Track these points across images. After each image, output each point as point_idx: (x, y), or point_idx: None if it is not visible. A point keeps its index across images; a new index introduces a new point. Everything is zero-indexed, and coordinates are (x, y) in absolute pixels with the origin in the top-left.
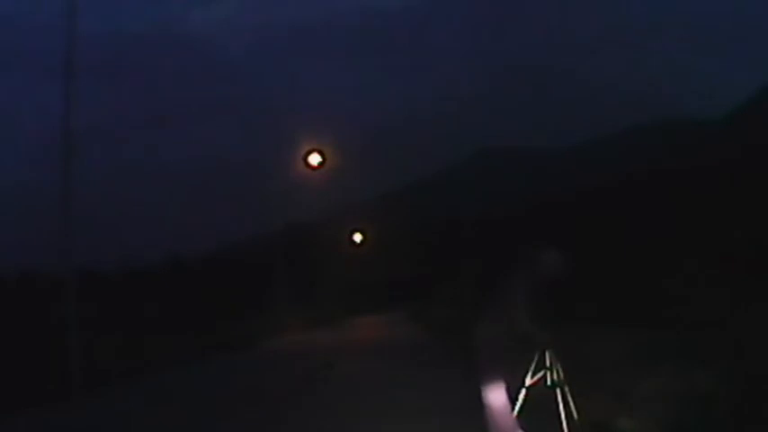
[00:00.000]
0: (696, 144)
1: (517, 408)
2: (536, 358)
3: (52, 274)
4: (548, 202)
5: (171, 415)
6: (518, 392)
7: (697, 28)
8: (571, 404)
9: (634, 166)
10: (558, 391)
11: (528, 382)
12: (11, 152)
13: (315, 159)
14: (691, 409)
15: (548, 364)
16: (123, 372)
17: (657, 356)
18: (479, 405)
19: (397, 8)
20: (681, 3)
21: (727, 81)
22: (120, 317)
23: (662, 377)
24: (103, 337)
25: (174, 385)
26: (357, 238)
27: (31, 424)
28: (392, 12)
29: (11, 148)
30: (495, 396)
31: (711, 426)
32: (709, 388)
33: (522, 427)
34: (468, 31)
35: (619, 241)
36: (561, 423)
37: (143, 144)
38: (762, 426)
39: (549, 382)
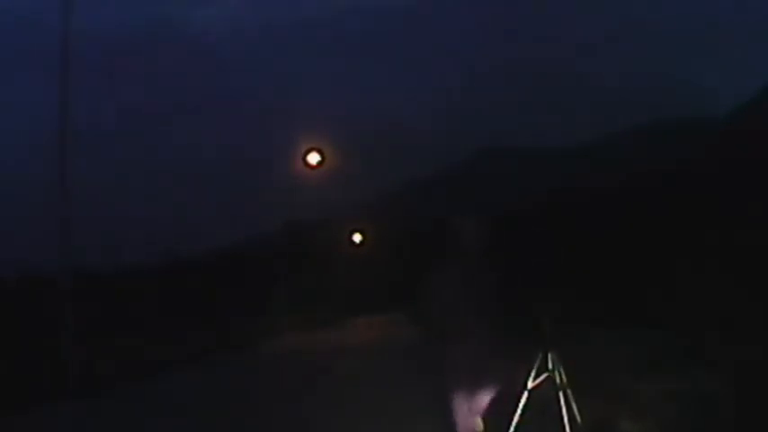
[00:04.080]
0: (697, 144)
1: (519, 410)
2: (538, 360)
3: (51, 275)
4: (549, 203)
5: (170, 416)
6: (520, 395)
7: (698, 28)
8: (574, 407)
9: (635, 166)
10: (561, 393)
11: (530, 384)
12: (8, 151)
13: (314, 158)
14: (694, 410)
15: (550, 366)
16: (122, 373)
17: (660, 358)
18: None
19: (398, 7)
20: (682, 2)
21: (728, 81)
22: (119, 317)
23: (665, 378)
24: (102, 338)
25: (172, 386)
26: (357, 238)
27: (29, 425)
28: (393, 11)
29: (8, 148)
30: (460, 405)
31: (714, 427)
32: (711, 389)
33: None
34: (468, 30)
35: (621, 241)
36: (564, 426)
37: (142, 143)
38: (764, 426)
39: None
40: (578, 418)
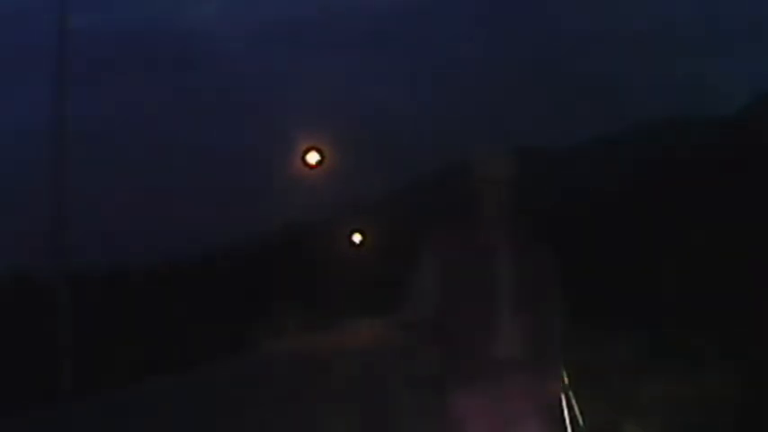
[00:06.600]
0: (699, 144)
1: None
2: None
3: (48, 276)
4: (549, 203)
5: (168, 418)
6: None
7: (699, 28)
8: (576, 409)
9: (636, 166)
10: (563, 395)
11: None
12: (6, 152)
13: (313, 158)
14: (696, 412)
15: None
16: (120, 374)
17: (661, 359)
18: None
19: (397, 6)
20: (682, 2)
21: (729, 81)
22: (117, 319)
23: (667, 380)
24: (100, 340)
25: (171, 388)
26: (357, 238)
27: (25, 426)
28: (392, 9)
29: (6, 148)
30: None
31: (716, 428)
32: (713, 391)
33: None
34: (468, 30)
35: (622, 242)
36: (566, 428)
37: (139, 142)
38: (765, 428)
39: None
40: (580, 421)
